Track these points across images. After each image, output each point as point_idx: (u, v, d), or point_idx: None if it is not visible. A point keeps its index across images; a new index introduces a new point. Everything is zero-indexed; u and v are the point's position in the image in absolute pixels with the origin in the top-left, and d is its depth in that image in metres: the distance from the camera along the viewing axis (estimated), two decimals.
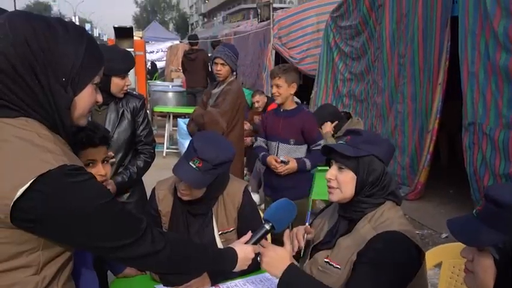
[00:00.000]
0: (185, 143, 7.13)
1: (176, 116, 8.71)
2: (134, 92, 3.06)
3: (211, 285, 1.97)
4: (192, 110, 8.62)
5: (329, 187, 1.73)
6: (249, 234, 1.70)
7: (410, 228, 1.65)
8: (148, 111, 3.06)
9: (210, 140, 2.08)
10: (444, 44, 4.97)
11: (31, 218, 1.10)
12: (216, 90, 4.04)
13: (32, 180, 1.07)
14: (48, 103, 1.19)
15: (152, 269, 1.50)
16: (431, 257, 2.13)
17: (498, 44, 4.10)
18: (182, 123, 7.54)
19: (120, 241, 1.22)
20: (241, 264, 1.60)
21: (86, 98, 1.26)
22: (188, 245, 1.44)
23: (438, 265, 2.21)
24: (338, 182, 1.70)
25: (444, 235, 4.41)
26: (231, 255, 1.59)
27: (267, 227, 1.70)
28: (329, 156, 1.76)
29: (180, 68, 10.63)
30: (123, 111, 2.82)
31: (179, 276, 1.87)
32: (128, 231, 1.24)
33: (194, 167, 1.97)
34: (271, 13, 9.44)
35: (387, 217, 1.66)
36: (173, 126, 8.70)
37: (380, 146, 1.71)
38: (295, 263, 1.68)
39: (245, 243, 1.67)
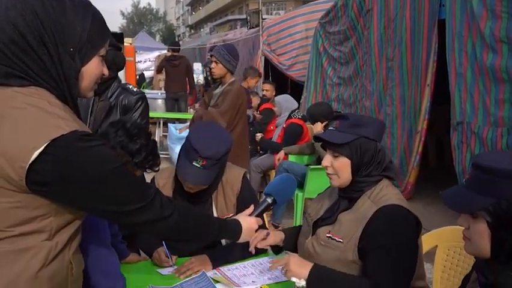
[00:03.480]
0: (176, 148, 7.12)
1: (166, 122, 8.75)
2: (135, 89, 2.91)
3: (212, 268, 1.99)
4: (177, 115, 8.71)
5: (327, 173, 1.79)
6: (252, 207, 1.73)
7: (406, 203, 1.73)
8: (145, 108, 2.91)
9: (206, 135, 2.09)
10: (432, 46, 5.07)
11: (45, 181, 1.12)
12: (218, 91, 4.06)
13: (46, 144, 1.10)
14: (57, 72, 1.21)
15: (160, 235, 1.53)
16: (426, 241, 2.17)
17: (485, 44, 4.19)
18: (173, 128, 7.54)
19: (130, 205, 1.24)
20: (245, 235, 1.63)
21: (92, 70, 1.29)
22: (195, 212, 1.47)
23: (431, 259, 2.27)
24: (334, 169, 1.75)
25: None
26: (235, 225, 1.62)
27: (269, 200, 1.74)
28: (323, 145, 1.82)
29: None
30: (113, 106, 2.70)
31: (186, 245, 1.90)
32: (138, 196, 1.27)
33: (198, 166, 2.00)
34: (261, 20, 9.54)
35: (386, 193, 1.73)
36: (163, 132, 8.77)
37: (367, 127, 1.73)
38: None
39: (248, 215, 1.70)
